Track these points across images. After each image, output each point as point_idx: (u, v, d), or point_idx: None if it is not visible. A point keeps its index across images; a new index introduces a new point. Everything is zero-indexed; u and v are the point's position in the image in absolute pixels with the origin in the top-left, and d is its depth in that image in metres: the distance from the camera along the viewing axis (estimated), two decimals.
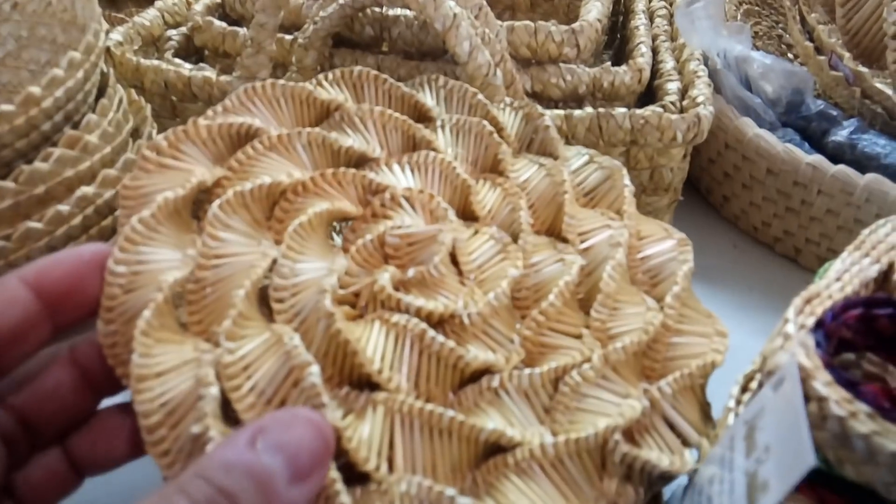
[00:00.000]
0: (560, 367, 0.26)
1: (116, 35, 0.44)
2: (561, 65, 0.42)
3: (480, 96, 0.34)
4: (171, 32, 0.48)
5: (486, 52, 0.37)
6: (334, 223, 0.32)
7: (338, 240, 0.32)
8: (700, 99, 0.40)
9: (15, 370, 0.23)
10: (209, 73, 0.42)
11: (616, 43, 0.59)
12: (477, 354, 0.26)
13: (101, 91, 0.36)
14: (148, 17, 0.47)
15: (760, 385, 0.23)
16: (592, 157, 0.34)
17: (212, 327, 0.24)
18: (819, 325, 0.22)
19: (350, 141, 0.30)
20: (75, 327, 0.24)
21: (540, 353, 0.27)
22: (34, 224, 0.30)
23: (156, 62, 0.42)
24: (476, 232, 0.30)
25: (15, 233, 0.29)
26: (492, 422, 0.24)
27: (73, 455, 0.24)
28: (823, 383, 0.20)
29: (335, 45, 0.45)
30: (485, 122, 0.33)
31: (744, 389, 0.25)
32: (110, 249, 0.24)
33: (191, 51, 0.49)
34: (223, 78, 0.41)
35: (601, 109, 0.38)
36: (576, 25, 0.42)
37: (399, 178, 0.31)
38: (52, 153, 0.30)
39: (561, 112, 0.38)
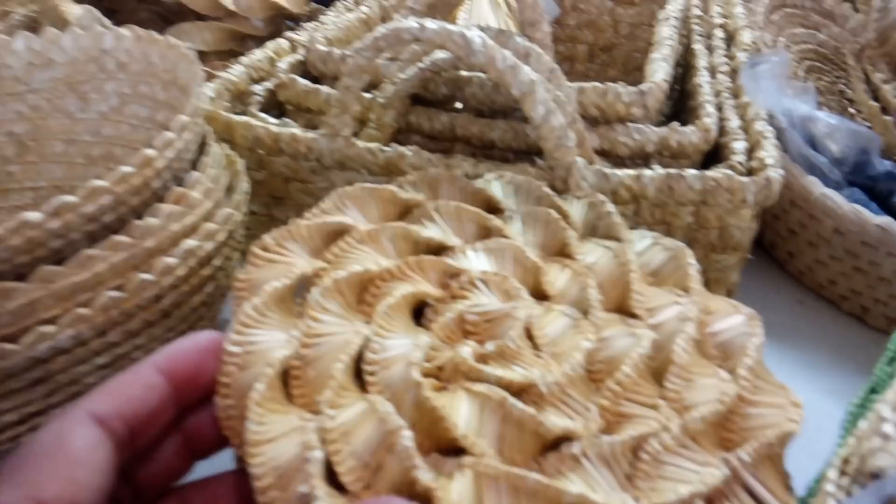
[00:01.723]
0: (640, 435, 0.27)
1: (209, 91, 0.48)
2: (629, 124, 0.44)
3: (546, 188, 0.37)
4: (256, 87, 0.51)
5: (560, 116, 0.38)
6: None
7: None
8: (769, 161, 0.41)
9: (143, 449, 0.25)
10: (296, 129, 0.44)
11: (675, 95, 0.60)
12: (557, 421, 0.27)
13: (201, 147, 0.39)
14: (235, 73, 0.51)
15: (858, 473, 0.23)
16: (656, 239, 0.35)
17: (314, 399, 0.27)
18: None
19: (429, 232, 0.34)
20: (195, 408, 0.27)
21: (617, 422, 0.28)
22: (145, 275, 0.32)
23: (246, 118, 0.45)
24: (548, 310, 0.32)
25: (128, 283, 0.32)
26: (575, 487, 0.25)
27: None
28: None
29: (411, 102, 0.47)
30: (551, 211, 0.36)
31: (842, 472, 0.25)
32: (222, 335, 0.27)
33: (273, 104, 0.52)
34: (309, 135, 0.44)
35: (672, 170, 0.39)
36: (644, 87, 0.44)
37: (474, 262, 0.33)
38: (161, 209, 0.33)
39: (631, 172, 0.40)
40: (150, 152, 0.32)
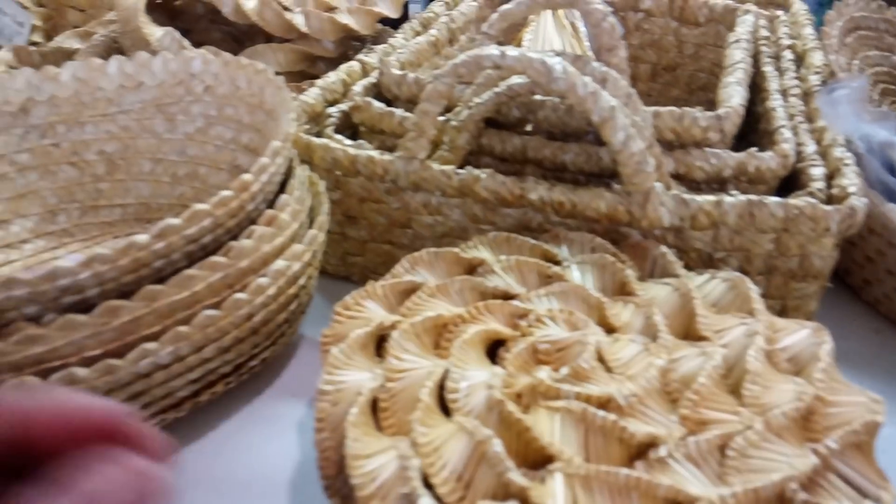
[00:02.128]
0: (725, 433, 0.27)
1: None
2: (706, 149, 0.43)
3: (599, 240, 0.39)
4: (331, 110, 0.52)
5: (640, 142, 0.38)
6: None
7: None
8: (852, 189, 0.40)
9: None
10: (373, 152, 0.45)
11: (743, 118, 0.60)
12: (641, 427, 0.27)
13: (288, 170, 0.40)
14: (312, 96, 0.52)
15: None
16: (713, 273, 0.37)
17: (402, 427, 0.28)
18: None
19: (495, 282, 0.36)
20: None
21: (699, 429, 0.28)
22: (239, 294, 0.33)
23: (325, 141, 0.46)
24: (616, 339, 0.33)
25: (224, 302, 0.33)
26: (668, 480, 0.26)
27: None
28: None
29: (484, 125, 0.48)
30: (606, 255, 0.38)
31: None
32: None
33: (346, 126, 0.53)
34: (385, 157, 0.45)
35: (753, 197, 0.39)
36: (721, 112, 0.44)
37: (539, 305, 0.35)
38: (254, 231, 0.34)
39: (711, 197, 0.40)
40: (247, 177, 0.33)
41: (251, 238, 0.34)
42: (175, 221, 0.31)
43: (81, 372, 0.29)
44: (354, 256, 0.51)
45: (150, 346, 0.31)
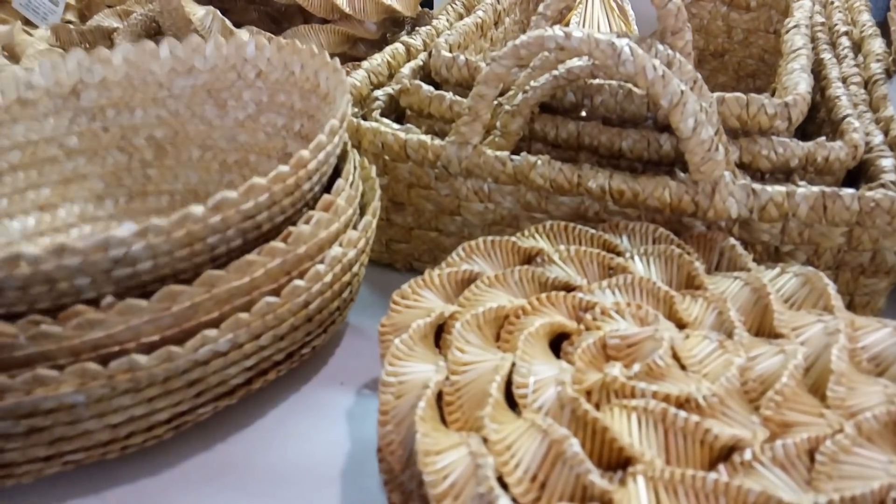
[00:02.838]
0: (814, 437, 0.26)
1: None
2: (773, 137, 0.42)
3: (662, 230, 0.38)
4: (377, 93, 0.51)
5: (710, 129, 0.37)
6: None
7: None
8: None
9: None
10: (424, 136, 0.44)
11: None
12: (724, 429, 0.26)
13: (342, 154, 0.39)
14: (358, 78, 0.51)
15: None
16: (784, 267, 0.35)
17: (470, 421, 0.27)
18: None
19: (555, 273, 0.35)
20: None
21: (783, 431, 0.27)
22: (298, 281, 0.32)
23: (374, 125, 0.45)
24: (688, 336, 0.31)
25: (282, 289, 0.32)
26: (758, 486, 0.24)
27: None
28: None
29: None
30: (673, 247, 0.36)
31: None
32: None
33: (393, 109, 0.52)
34: (437, 142, 0.44)
35: (826, 189, 0.37)
36: (789, 99, 0.42)
37: (603, 298, 0.33)
38: (312, 216, 0.33)
39: (781, 188, 0.38)
40: (304, 154, 0.32)
41: (309, 223, 0.33)
42: (231, 194, 0.30)
43: (141, 359, 0.29)
44: (399, 243, 0.50)
45: (211, 332, 0.30)
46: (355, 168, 0.39)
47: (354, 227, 0.37)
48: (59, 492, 0.34)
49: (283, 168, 0.32)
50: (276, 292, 0.32)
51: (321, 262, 0.33)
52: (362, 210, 0.40)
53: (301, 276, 0.33)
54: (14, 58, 0.55)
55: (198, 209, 0.29)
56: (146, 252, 0.29)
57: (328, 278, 0.34)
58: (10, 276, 0.27)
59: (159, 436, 0.34)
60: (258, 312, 0.31)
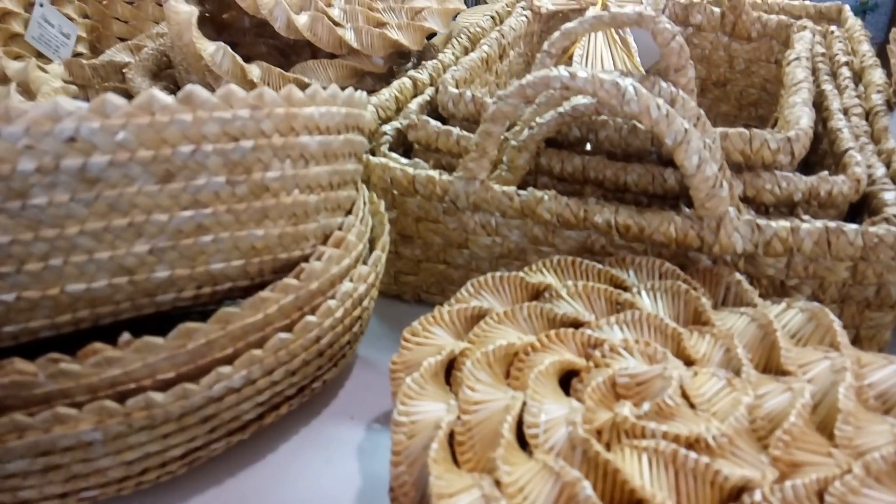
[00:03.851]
0: (822, 478, 0.26)
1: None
2: (776, 172, 0.42)
3: (668, 265, 0.38)
4: (386, 127, 0.52)
5: (713, 166, 0.38)
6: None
7: None
8: None
9: None
10: (432, 172, 0.45)
11: None
12: (734, 469, 0.26)
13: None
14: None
15: None
16: (790, 303, 0.35)
17: (481, 463, 0.28)
18: None
19: (563, 309, 0.35)
20: None
21: (792, 471, 0.27)
22: (310, 317, 0.33)
23: (383, 160, 0.46)
24: (696, 373, 0.32)
25: (294, 324, 0.33)
26: None
27: None
28: None
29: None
30: (680, 283, 0.36)
31: None
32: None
33: (400, 143, 0.53)
34: (445, 178, 0.44)
35: (830, 224, 0.38)
36: (791, 134, 0.43)
37: (611, 334, 0.34)
38: (324, 252, 0.34)
39: (786, 224, 0.38)
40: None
41: (321, 260, 0.33)
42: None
43: (158, 397, 0.29)
44: (407, 275, 0.51)
45: (225, 369, 0.30)
46: (365, 203, 0.39)
47: (364, 262, 0.38)
48: None
49: (292, 281, 0.32)
50: (288, 328, 0.33)
51: (332, 297, 0.34)
52: (371, 244, 0.41)
53: (313, 311, 0.33)
54: (29, 94, 0.56)
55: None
56: None
57: (339, 313, 0.34)
58: None
59: (173, 472, 0.34)
60: (271, 349, 0.31)
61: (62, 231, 0.26)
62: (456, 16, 0.70)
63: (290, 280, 0.32)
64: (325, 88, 0.59)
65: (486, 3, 1.04)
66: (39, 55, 0.81)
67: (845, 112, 0.54)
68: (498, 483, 0.26)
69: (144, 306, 0.30)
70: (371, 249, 0.40)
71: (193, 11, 0.60)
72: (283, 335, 0.32)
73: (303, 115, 0.31)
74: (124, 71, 0.66)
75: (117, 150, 0.26)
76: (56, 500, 0.31)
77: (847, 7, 0.75)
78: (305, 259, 0.34)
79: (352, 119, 0.35)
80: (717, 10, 0.70)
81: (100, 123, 0.25)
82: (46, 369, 0.28)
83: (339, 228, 0.36)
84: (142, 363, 0.29)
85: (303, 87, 0.58)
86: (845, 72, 0.60)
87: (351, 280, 0.36)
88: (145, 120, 0.26)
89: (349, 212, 0.37)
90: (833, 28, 0.69)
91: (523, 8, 0.70)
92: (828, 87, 0.57)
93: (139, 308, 0.30)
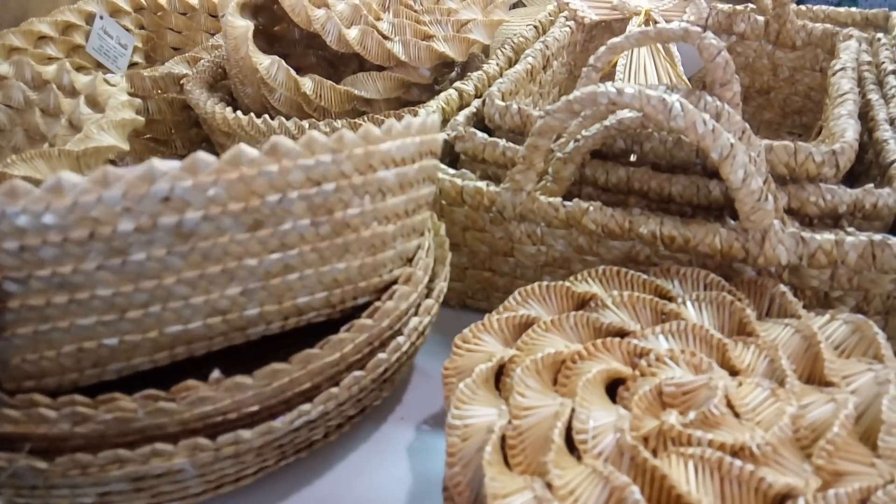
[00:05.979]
0: (866, 487, 0.27)
1: None
2: (821, 184, 0.43)
3: (713, 276, 0.39)
4: None
5: (759, 179, 0.38)
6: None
7: None
8: None
9: None
10: (480, 183, 0.46)
11: None
12: (778, 477, 0.27)
13: None
14: None
15: None
16: (833, 314, 0.36)
17: (532, 466, 0.29)
18: None
19: (609, 318, 0.37)
20: None
21: (835, 480, 0.28)
22: (381, 354, 0.35)
23: None
24: (740, 383, 0.33)
25: (366, 360, 0.35)
26: None
27: None
28: None
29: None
30: (725, 294, 0.37)
31: None
32: None
33: (447, 153, 0.54)
34: (492, 189, 0.46)
35: (875, 236, 0.38)
36: (836, 147, 0.43)
37: (657, 344, 0.35)
38: (395, 290, 0.36)
39: (830, 236, 0.39)
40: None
41: (393, 298, 0.35)
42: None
43: (246, 434, 0.31)
44: (453, 282, 0.52)
45: (306, 407, 0.33)
46: (429, 231, 0.41)
47: (428, 294, 0.39)
48: None
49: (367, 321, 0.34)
50: (360, 362, 0.35)
51: (400, 332, 0.36)
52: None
53: (382, 345, 0.35)
54: (96, 107, 0.59)
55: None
56: None
57: (406, 348, 0.36)
58: None
59: (245, 484, 0.36)
60: (346, 386, 0.34)
61: (160, 282, 0.28)
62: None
63: (364, 320, 0.34)
64: (370, 100, 0.60)
65: (524, 5, 1.05)
66: (99, 65, 0.85)
67: (892, 123, 0.54)
68: (549, 486, 0.27)
69: (235, 339, 0.32)
70: (432, 278, 0.41)
71: (249, 26, 0.62)
72: (357, 373, 0.34)
73: (380, 152, 0.32)
74: (182, 82, 0.69)
75: (209, 206, 0.27)
76: None
77: (894, 14, 0.74)
78: (384, 285, 0.36)
79: (426, 146, 0.36)
80: (760, 18, 0.70)
81: (192, 182, 0.27)
82: (146, 407, 0.30)
83: (415, 253, 0.37)
84: (231, 400, 0.31)
85: (353, 98, 0.60)
86: (892, 80, 0.60)
87: (417, 314, 0.37)
88: (234, 175, 0.28)
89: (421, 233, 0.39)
90: (880, 35, 0.69)
91: (566, 18, 0.71)
92: (874, 96, 0.56)
93: (231, 340, 0.32)
